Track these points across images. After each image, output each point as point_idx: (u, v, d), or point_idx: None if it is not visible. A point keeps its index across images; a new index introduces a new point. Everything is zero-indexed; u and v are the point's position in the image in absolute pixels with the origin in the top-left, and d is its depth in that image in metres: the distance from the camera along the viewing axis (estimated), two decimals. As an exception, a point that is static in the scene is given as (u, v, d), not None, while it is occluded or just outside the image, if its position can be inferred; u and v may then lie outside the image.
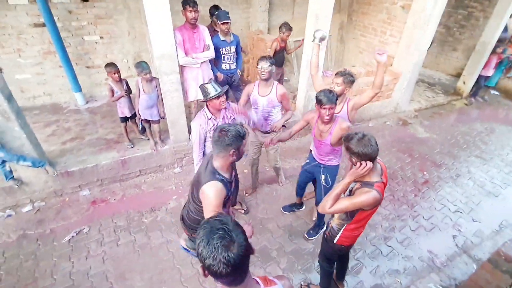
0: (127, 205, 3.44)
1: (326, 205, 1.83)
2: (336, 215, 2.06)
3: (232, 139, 1.73)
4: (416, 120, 5.73)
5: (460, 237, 3.29)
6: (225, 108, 2.53)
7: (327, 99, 2.25)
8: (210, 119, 2.49)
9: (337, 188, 1.83)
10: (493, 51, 5.90)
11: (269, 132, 3.09)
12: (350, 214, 1.92)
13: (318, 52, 2.94)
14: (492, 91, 7.03)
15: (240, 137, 1.77)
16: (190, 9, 3.24)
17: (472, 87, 6.54)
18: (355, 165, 1.77)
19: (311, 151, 2.93)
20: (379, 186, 1.76)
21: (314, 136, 2.66)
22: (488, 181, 4.17)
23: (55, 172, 3.29)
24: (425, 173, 4.27)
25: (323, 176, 2.78)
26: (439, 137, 5.20)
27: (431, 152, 4.78)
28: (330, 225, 2.15)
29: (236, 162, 2.00)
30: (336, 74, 2.66)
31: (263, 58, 2.78)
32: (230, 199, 1.99)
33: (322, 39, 2.91)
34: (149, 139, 3.84)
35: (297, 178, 3.20)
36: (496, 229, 3.42)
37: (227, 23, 3.55)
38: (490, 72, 6.10)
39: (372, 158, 1.72)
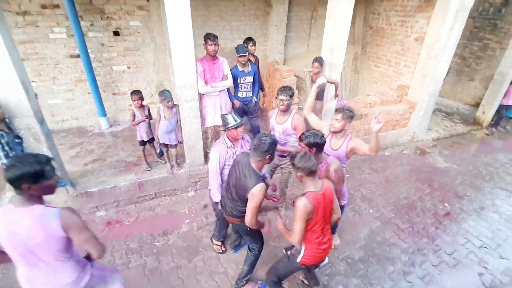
0: (141, 227, 3.48)
1: (293, 239, 2.02)
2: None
3: (269, 146, 2.11)
4: (435, 149, 5.60)
5: (487, 275, 3.05)
6: (242, 138, 2.64)
7: (304, 136, 2.32)
8: (229, 147, 2.58)
9: (279, 226, 2.12)
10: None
11: (285, 156, 3.17)
12: None
13: (315, 95, 3.02)
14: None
15: (274, 144, 2.16)
16: (211, 42, 3.48)
17: (493, 117, 6.39)
18: (300, 180, 2.05)
19: None
20: (311, 195, 1.98)
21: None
22: (516, 216, 3.92)
23: (75, 192, 3.42)
24: (446, 204, 4.09)
25: None
26: (460, 168, 5.02)
27: (452, 183, 4.59)
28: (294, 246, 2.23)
29: None
30: (335, 111, 2.63)
31: (283, 90, 2.84)
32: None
33: (322, 86, 3.13)
34: (165, 162, 3.96)
35: None
36: (528, 269, 3.16)
37: (244, 56, 3.77)
38: (511, 101, 5.97)
39: (312, 171, 1.97)
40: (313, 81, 4.53)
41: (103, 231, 3.40)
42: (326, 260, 3.12)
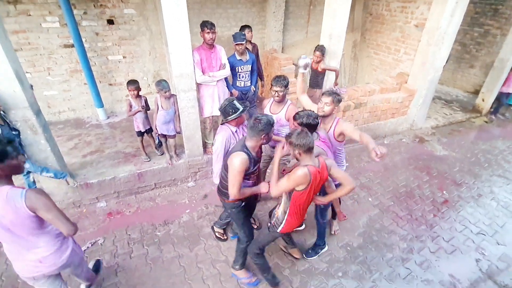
0: (142, 217, 3.50)
1: (273, 189, 2.09)
2: (281, 205, 2.26)
3: (264, 126, 2.10)
4: (434, 137, 5.60)
5: (484, 261, 3.11)
6: (244, 125, 2.69)
7: (298, 116, 2.33)
8: (235, 132, 2.59)
9: (273, 168, 2.18)
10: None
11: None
12: (288, 197, 2.15)
13: (302, 79, 3.00)
14: (514, 109, 6.80)
15: (270, 124, 2.15)
16: (208, 30, 3.40)
17: (492, 104, 6.37)
18: (298, 159, 2.04)
19: None
20: (311, 167, 1.98)
21: None
22: (513, 202, 3.96)
23: (75, 183, 3.42)
24: (444, 192, 4.12)
25: (320, 194, 2.72)
26: (458, 155, 5.04)
27: (451, 170, 4.62)
28: (276, 215, 2.32)
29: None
30: (323, 94, 2.59)
31: (278, 81, 2.78)
32: (254, 174, 2.36)
33: (306, 67, 3.01)
34: (163, 154, 3.95)
35: None
36: (524, 254, 3.21)
37: (241, 44, 3.70)
38: (511, 89, 5.94)
39: (310, 148, 1.97)
40: (313, 70, 4.47)
41: (104, 222, 3.42)
42: (303, 226, 3.37)
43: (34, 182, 3.21)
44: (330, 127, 2.61)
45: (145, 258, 2.99)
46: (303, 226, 3.39)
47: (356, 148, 5.07)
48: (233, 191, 2.20)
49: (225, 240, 3.20)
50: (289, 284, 2.78)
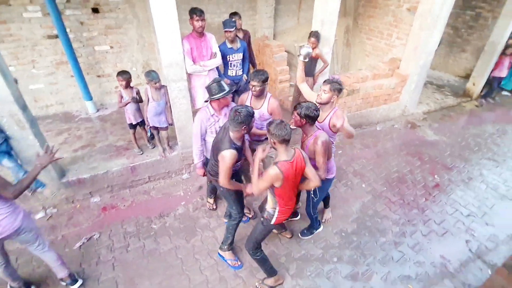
0: (137, 211, 3.49)
1: (254, 189, 2.22)
2: (269, 200, 2.34)
3: (244, 118, 2.17)
4: (425, 122, 5.66)
5: (473, 242, 3.21)
6: (227, 106, 2.71)
7: (299, 108, 2.33)
8: (212, 115, 2.66)
9: (254, 169, 2.26)
10: (504, 53, 5.79)
11: (262, 141, 3.11)
12: (272, 192, 2.25)
13: (303, 68, 3.00)
14: (504, 92, 6.89)
15: (250, 116, 2.21)
16: (197, 18, 3.29)
17: (483, 88, 6.43)
18: (274, 147, 2.15)
19: None
20: (282, 164, 2.07)
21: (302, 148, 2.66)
22: (502, 184, 4.07)
23: (54, 193, 3.37)
24: (435, 176, 4.20)
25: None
26: (449, 140, 5.12)
27: (441, 155, 4.70)
28: (266, 210, 2.39)
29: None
30: (324, 82, 2.61)
31: (255, 75, 2.71)
32: (240, 160, 2.48)
33: (306, 56, 2.97)
34: (154, 147, 3.91)
35: None
36: (511, 234, 3.32)
37: (230, 31, 3.60)
38: (503, 73, 5.99)
39: (285, 139, 2.04)
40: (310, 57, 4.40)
41: (99, 217, 3.40)
42: (298, 216, 3.44)
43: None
44: (327, 116, 2.61)
45: (142, 251, 3.00)
46: (299, 216, 3.44)
47: (350, 135, 5.09)
48: (224, 182, 2.34)
49: (214, 210, 3.48)
50: (285, 271, 2.84)
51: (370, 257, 3.01)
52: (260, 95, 2.83)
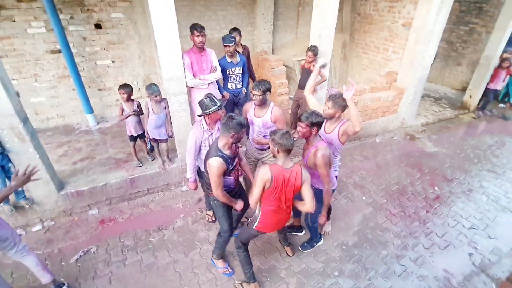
0: (135, 224, 3.45)
1: (250, 201, 2.24)
2: (258, 204, 2.36)
3: (234, 125, 2.20)
4: (424, 134, 5.69)
5: (476, 255, 3.16)
6: (220, 120, 2.73)
7: (305, 116, 2.35)
8: (205, 130, 2.70)
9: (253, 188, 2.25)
10: (501, 66, 5.90)
11: (265, 149, 3.14)
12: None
13: (316, 76, 3.05)
14: (500, 105, 6.97)
15: (241, 126, 2.23)
16: (198, 33, 3.38)
17: (480, 101, 6.51)
18: (275, 156, 2.21)
19: None
20: (274, 166, 2.14)
21: (303, 156, 2.68)
22: (503, 196, 4.04)
23: (29, 203, 3.27)
24: (436, 188, 4.18)
25: None
26: (448, 151, 5.13)
27: (441, 166, 4.69)
28: (255, 213, 2.44)
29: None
30: (328, 98, 2.65)
31: (257, 85, 2.78)
32: (234, 170, 2.48)
33: (323, 66, 3.10)
34: (153, 159, 3.91)
35: None
36: (515, 246, 3.28)
37: (229, 46, 3.69)
38: (499, 85, 6.08)
39: (288, 149, 2.12)
40: (306, 69, 4.47)
41: (97, 230, 3.35)
42: (303, 232, 3.39)
43: (23, 191, 3.15)
44: (335, 128, 2.64)
45: (139, 265, 2.95)
46: (303, 232, 3.38)
47: (349, 147, 5.11)
48: (217, 193, 2.34)
49: (213, 222, 3.45)
50: (286, 285, 2.78)
51: (372, 271, 2.96)
52: (262, 104, 2.89)
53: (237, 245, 2.62)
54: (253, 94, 2.82)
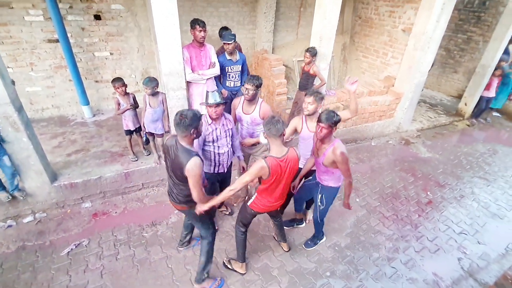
0: (128, 218, 3.43)
1: (237, 183, 2.22)
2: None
3: (191, 121, 2.02)
4: (419, 139, 5.75)
5: (465, 260, 3.22)
6: (225, 118, 2.74)
7: (325, 117, 2.33)
8: (210, 124, 2.66)
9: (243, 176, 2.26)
10: (493, 73, 6.00)
11: (255, 145, 3.18)
12: (259, 180, 2.32)
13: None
14: (494, 113, 7.08)
15: (197, 118, 2.07)
16: (200, 28, 3.36)
17: (474, 109, 6.60)
18: (268, 140, 2.25)
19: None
20: (270, 159, 2.16)
21: (313, 153, 2.69)
22: (493, 203, 4.12)
23: (23, 194, 3.21)
24: (428, 193, 4.24)
25: (319, 196, 2.79)
26: (442, 157, 5.20)
27: (434, 172, 4.76)
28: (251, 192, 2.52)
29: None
30: (305, 95, 2.72)
31: (250, 79, 2.78)
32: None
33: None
34: (149, 154, 3.89)
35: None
36: (503, 252, 3.35)
37: (228, 44, 3.68)
38: (491, 93, 6.17)
39: (273, 134, 2.16)
40: (304, 71, 4.47)
41: (90, 223, 3.33)
42: (303, 224, 3.49)
43: (17, 184, 3.10)
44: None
45: (131, 259, 2.93)
46: (304, 224, 3.48)
47: (344, 149, 5.13)
48: (200, 197, 2.15)
49: (230, 214, 3.51)
50: (277, 284, 2.79)
51: (363, 272, 2.99)
52: (252, 99, 2.90)
53: (237, 226, 2.67)
54: (246, 88, 2.82)
